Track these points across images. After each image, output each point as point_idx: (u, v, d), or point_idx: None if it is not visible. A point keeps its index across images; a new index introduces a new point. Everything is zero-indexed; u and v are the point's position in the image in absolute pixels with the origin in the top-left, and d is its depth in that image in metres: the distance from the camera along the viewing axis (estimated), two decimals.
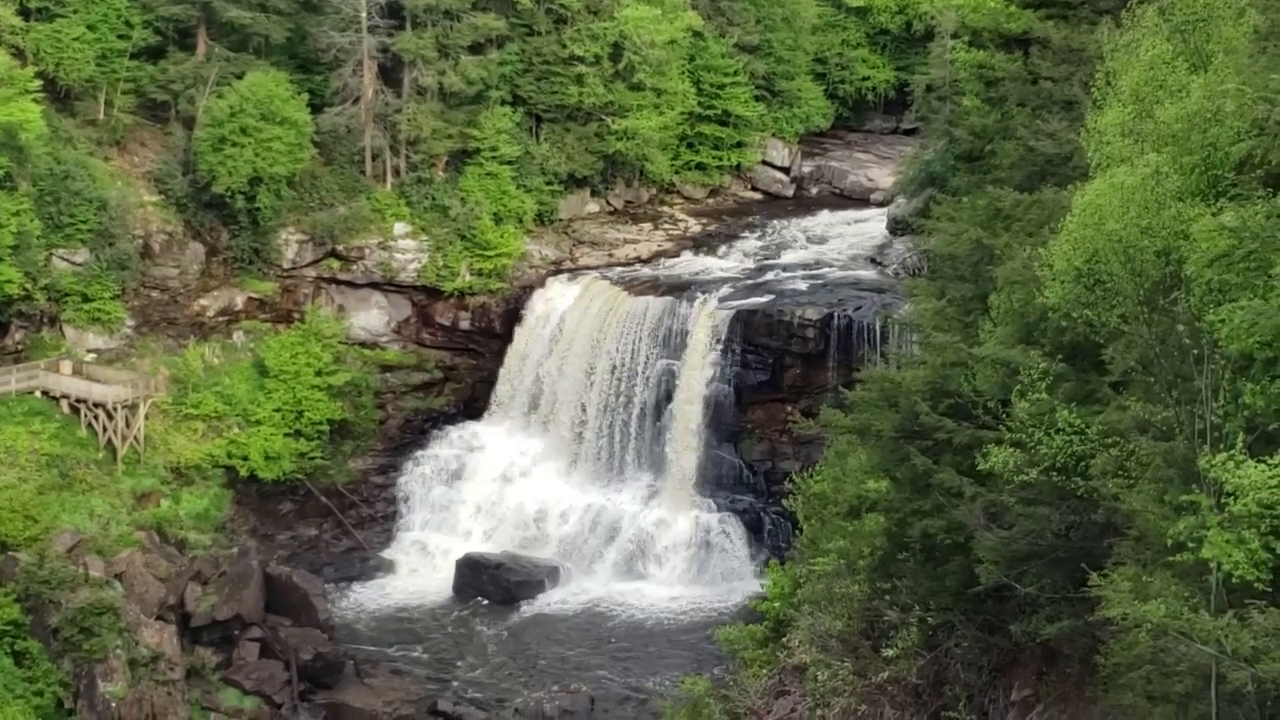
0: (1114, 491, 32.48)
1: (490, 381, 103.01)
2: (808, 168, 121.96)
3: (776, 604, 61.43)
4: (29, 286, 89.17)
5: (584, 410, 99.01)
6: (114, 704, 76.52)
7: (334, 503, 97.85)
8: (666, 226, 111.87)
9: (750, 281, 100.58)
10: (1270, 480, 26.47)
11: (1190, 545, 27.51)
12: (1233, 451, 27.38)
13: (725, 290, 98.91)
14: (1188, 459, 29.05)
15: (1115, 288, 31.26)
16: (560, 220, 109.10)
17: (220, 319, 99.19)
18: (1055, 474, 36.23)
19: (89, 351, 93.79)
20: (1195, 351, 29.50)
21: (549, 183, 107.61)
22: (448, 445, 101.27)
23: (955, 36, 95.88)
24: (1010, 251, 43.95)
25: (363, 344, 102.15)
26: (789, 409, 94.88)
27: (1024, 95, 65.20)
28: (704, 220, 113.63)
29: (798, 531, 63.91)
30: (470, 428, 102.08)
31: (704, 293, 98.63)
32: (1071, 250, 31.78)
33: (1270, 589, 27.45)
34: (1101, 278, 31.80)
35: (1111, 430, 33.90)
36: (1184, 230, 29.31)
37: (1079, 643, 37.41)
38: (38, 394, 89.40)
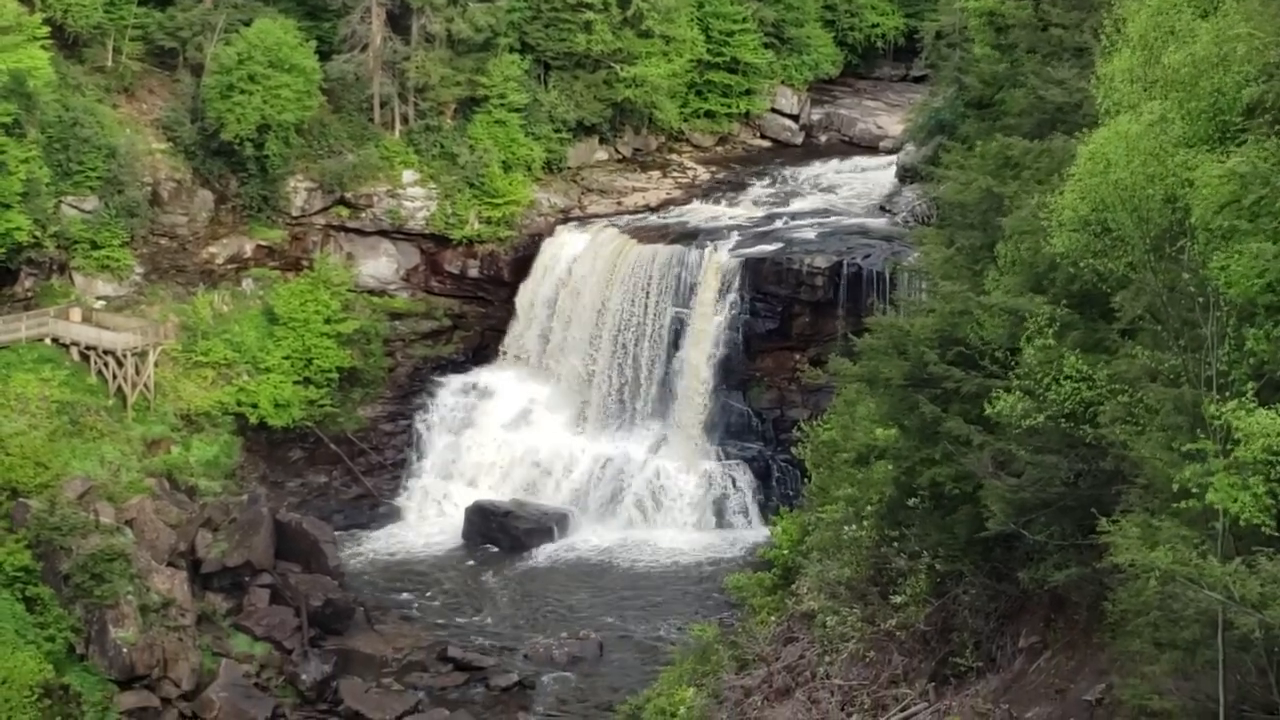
0: (1122, 439, 32.55)
1: (499, 329, 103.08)
2: (817, 115, 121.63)
3: (785, 551, 61.68)
4: (38, 234, 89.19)
5: (593, 358, 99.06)
6: (125, 649, 76.88)
7: (343, 450, 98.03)
8: (675, 174, 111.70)
9: (759, 229, 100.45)
10: (1275, 425, 26.53)
11: (1196, 491, 27.58)
12: (1242, 398, 27.44)
13: (734, 238, 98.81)
14: (1195, 406, 29.10)
15: (1122, 236, 31.26)
16: (569, 168, 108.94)
17: (229, 266, 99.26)
18: (1064, 421, 36.31)
19: (98, 299, 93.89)
20: (1201, 299, 29.52)
21: (557, 130, 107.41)
22: (457, 393, 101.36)
23: None
24: (1019, 200, 43.95)
25: (371, 292, 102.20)
26: (797, 357, 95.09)
27: (1034, 42, 65.07)
28: (713, 168, 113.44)
29: (806, 479, 64.10)
30: (479, 375, 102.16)
31: (713, 241, 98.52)
32: (1078, 199, 31.75)
33: (1277, 535, 27.52)
34: (1109, 226, 31.79)
35: (1120, 377, 33.97)
36: (1189, 178, 29.26)
37: (1086, 590, 37.55)
38: (47, 341, 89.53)
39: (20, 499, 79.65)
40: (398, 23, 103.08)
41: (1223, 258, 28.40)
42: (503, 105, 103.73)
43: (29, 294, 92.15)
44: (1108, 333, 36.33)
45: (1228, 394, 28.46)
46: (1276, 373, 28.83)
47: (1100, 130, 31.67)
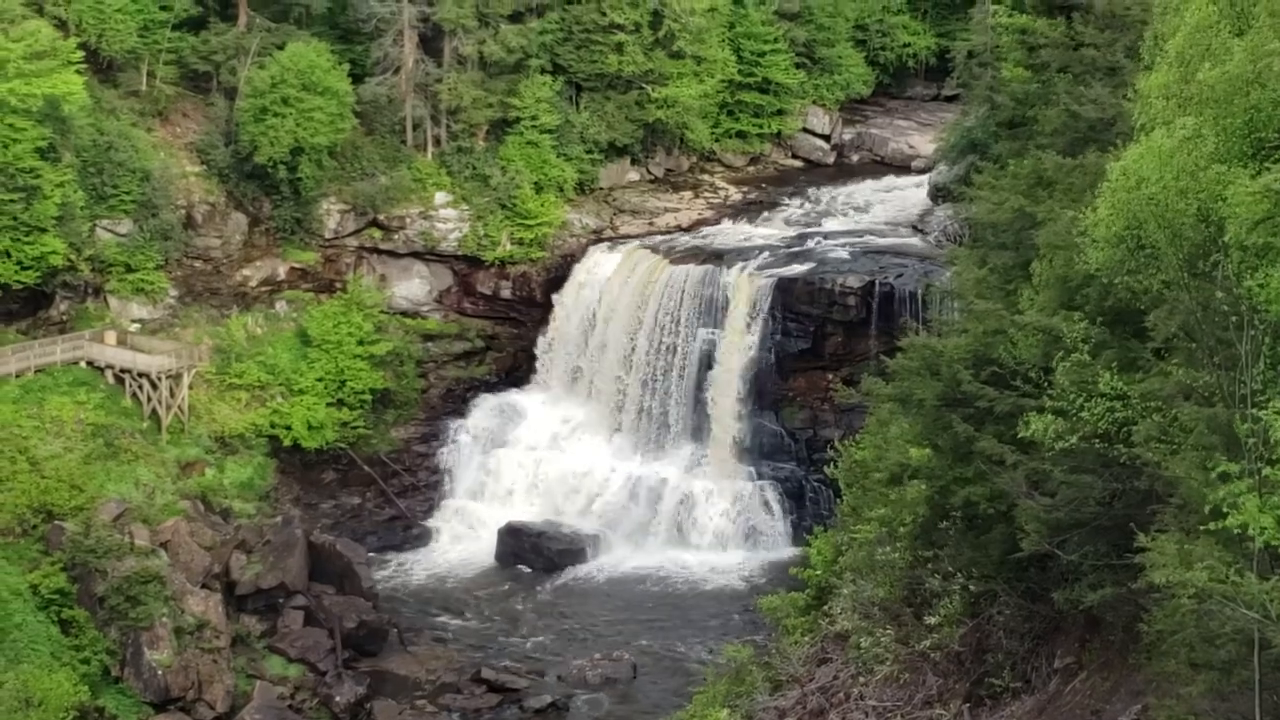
0: (1156, 458, 32.42)
1: (531, 350, 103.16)
2: (848, 135, 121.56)
3: (818, 571, 61.48)
4: (73, 257, 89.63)
5: (625, 378, 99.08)
6: (160, 672, 77.09)
7: (376, 471, 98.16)
8: (707, 194, 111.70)
9: (791, 249, 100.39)
10: None
11: (1228, 512, 27.47)
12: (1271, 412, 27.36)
13: (766, 258, 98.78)
14: (1229, 425, 28.98)
15: (1156, 253, 31.16)
16: (600, 189, 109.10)
17: (263, 289, 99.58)
18: (1097, 441, 36.17)
19: (133, 322, 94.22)
20: (1235, 317, 29.40)
21: (589, 151, 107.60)
22: (490, 414, 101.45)
23: (997, 2, 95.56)
24: (1052, 216, 43.82)
25: (404, 313, 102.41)
26: (830, 377, 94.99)
27: (1066, 61, 64.98)
28: (744, 188, 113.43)
29: (839, 499, 63.94)
30: (512, 397, 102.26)
31: (745, 261, 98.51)
32: (1111, 214, 31.64)
33: None
34: (1142, 242, 31.69)
35: (1153, 396, 33.84)
36: (1223, 194, 29.16)
37: (1122, 610, 37.38)
38: (83, 364, 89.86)
39: (56, 521, 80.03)
40: (430, 45, 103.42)
41: (1258, 276, 28.28)
42: (534, 126, 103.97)
43: (64, 317, 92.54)
44: (1140, 352, 36.21)
45: (1261, 413, 28.35)
46: None
47: (1133, 146, 31.57)
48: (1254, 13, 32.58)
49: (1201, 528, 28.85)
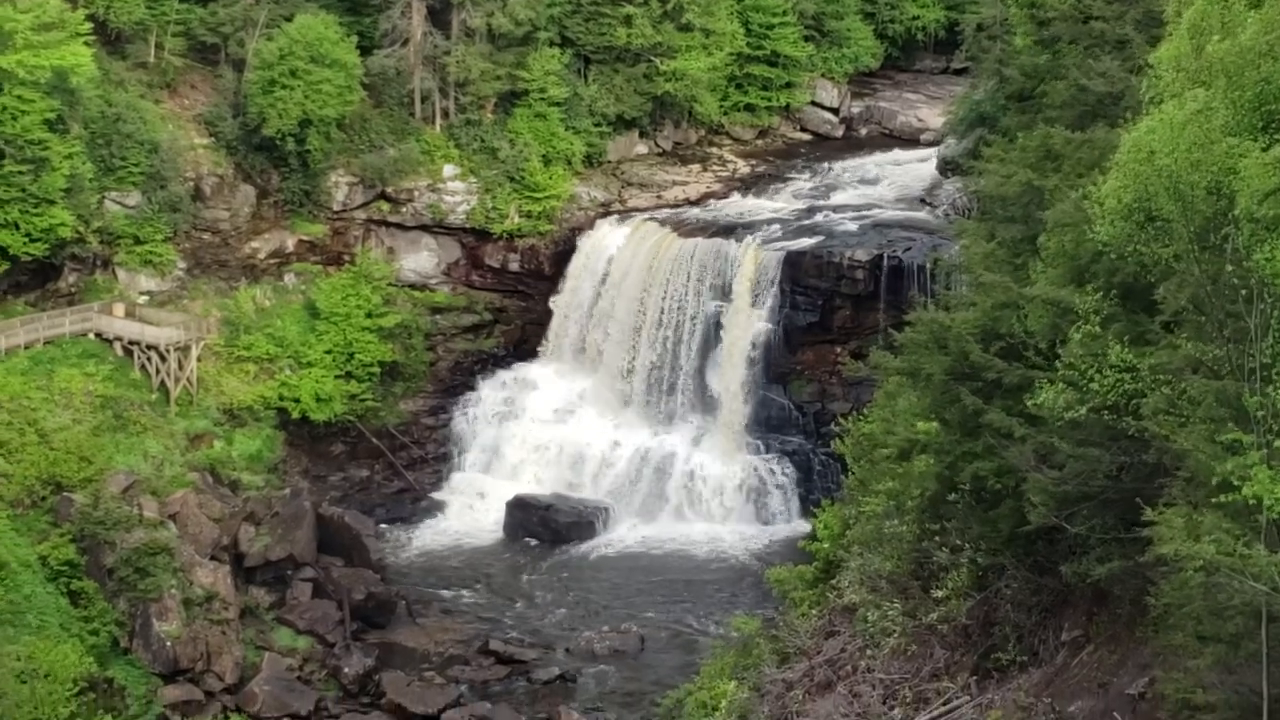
0: (1165, 431, 32.41)
1: (539, 323, 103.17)
2: (857, 108, 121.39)
3: (826, 545, 61.58)
4: (81, 229, 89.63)
5: (633, 352, 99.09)
6: (169, 643, 77.32)
7: (385, 444, 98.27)
8: (715, 168, 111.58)
9: (799, 223, 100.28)
10: None
11: (1237, 484, 27.46)
12: None
13: (774, 231, 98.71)
14: (1238, 397, 28.98)
15: (1167, 226, 31.13)
16: (609, 162, 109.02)
17: (271, 261, 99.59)
18: (1106, 413, 36.16)
19: (141, 294, 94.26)
20: (1245, 291, 29.38)
21: (597, 124, 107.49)
22: (498, 387, 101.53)
23: None
24: (1061, 193, 43.77)
25: (412, 286, 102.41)
26: (838, 350, 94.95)
27: (1075, 34, 64.86)
28: (752, 161, 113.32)
29: (847, 473, 64.02)
30: (520, 369, 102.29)
31: (753, 234, 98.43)
32: (1122, 187, 31.60)
33: None
34: (1153, 215, 31.66)
35: (1162, 369, 33.82)
36: (1234, 167, 29.12)
37: (1129, 584, 37.41)
38: (91, 336, 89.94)
39: (64, 493, 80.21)
40: (438, 17, 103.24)
41: (1268, 248, 28.25)
42: (543, 99, 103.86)
43: (73, 289, 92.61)
44: (1149, 325, 36.18)
45: (1271, 385, 28.35)
46: None
47: (1145, 119, 31.50)
48: None
49: (1211, 499, 28.87)
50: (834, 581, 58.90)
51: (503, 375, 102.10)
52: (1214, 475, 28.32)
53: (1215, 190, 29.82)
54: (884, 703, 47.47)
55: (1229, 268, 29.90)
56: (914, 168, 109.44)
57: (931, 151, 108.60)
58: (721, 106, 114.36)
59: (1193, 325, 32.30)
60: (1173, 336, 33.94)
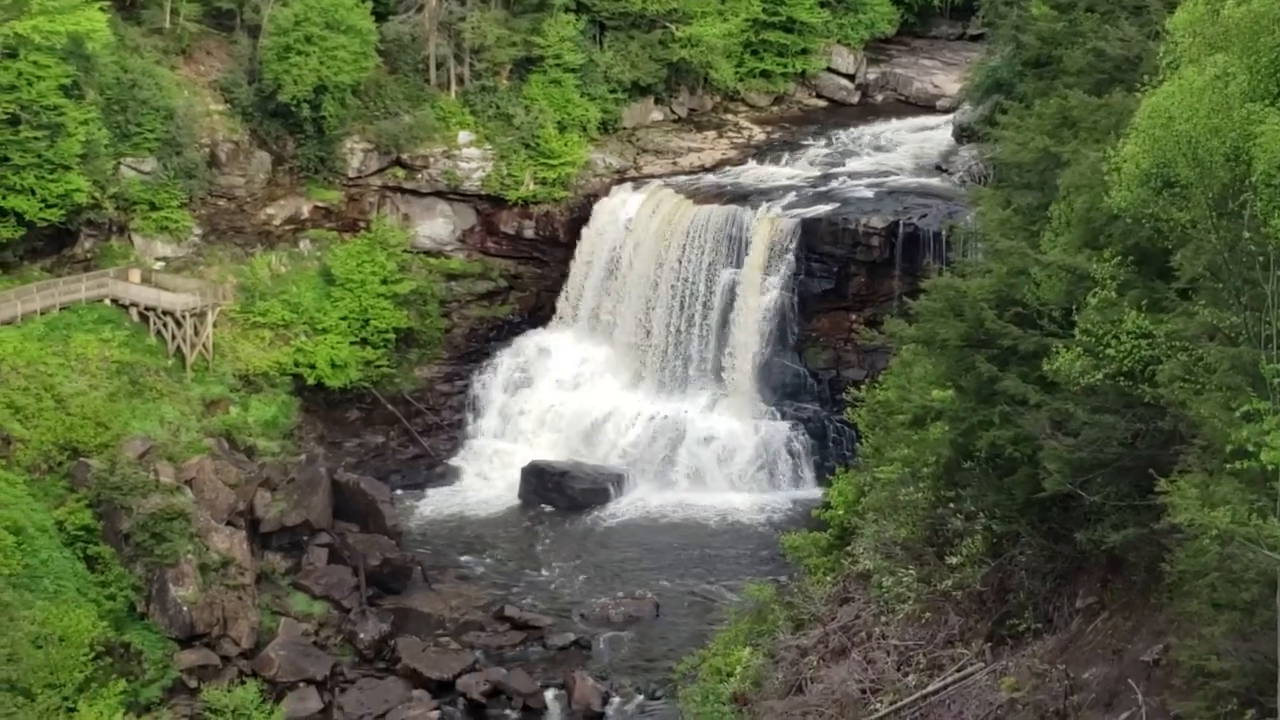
0: (1180, 398, 32.32)
1: (555, 290, 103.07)
2: (873, 74, 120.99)
3: (840, 512, 61.60)
4: (97, 195, 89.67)
5: (648, 318, 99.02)
6: (185, 608, 77.51)
7: (400, 410, 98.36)
8: (730, 134, 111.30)
9: (815, 189, 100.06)
10: None
11: (1253, 451, 27.38)
12: None
13: (790, 198, 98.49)
14: (1254, 365, 28.88)
15: (1184, 191, 31.00)
16: (624, 128, 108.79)
17: (286, 228, 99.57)
18: (1122, 379, 36.11)
19: (157, 260, 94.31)
20: (1262, 257, 29.27)
21: (613, 91, 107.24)
22: (513, 354, 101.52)
23: None
24: (1078, 157, 43.60)
25: (428, 253, 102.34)
26: (853, 318, 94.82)
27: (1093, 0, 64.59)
28: (768, 128, 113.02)
29: (861, 440, 64.00)
30: (535, 336, 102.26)
31: (768, 201, 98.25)
32: (1140, 152, 31.44)
33: None
34: (1170, 181, 31.52)
35: (1178, 335, 33.73)
36: (1252, 133, 28.97)
37: (1144, 551, 37.39)
38: (107, 302, 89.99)
39: (81, 459, 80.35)
40: None
41: None
42: (558, 65, 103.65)
43: (89, 255, 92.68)
44: (1165, 292, 36.08)
45: None
46: None
47: (1164, 84, 31.33)
48: None
49: (1227, 467, 28.80)
50: (848, 548, 58.94)
51: (518, 342, 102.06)
52: (1229, 443, 28.27)
53: (1234, 156, 29.68)
54: (898, 669, 47.51)
55: (1246, 234, 29.79)
56: (930, 134, 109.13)
57: (947, 118, 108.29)
58: (737, 73, 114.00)
59: (1209, 292, 32.19)
60: (1189, 303, 33.84)
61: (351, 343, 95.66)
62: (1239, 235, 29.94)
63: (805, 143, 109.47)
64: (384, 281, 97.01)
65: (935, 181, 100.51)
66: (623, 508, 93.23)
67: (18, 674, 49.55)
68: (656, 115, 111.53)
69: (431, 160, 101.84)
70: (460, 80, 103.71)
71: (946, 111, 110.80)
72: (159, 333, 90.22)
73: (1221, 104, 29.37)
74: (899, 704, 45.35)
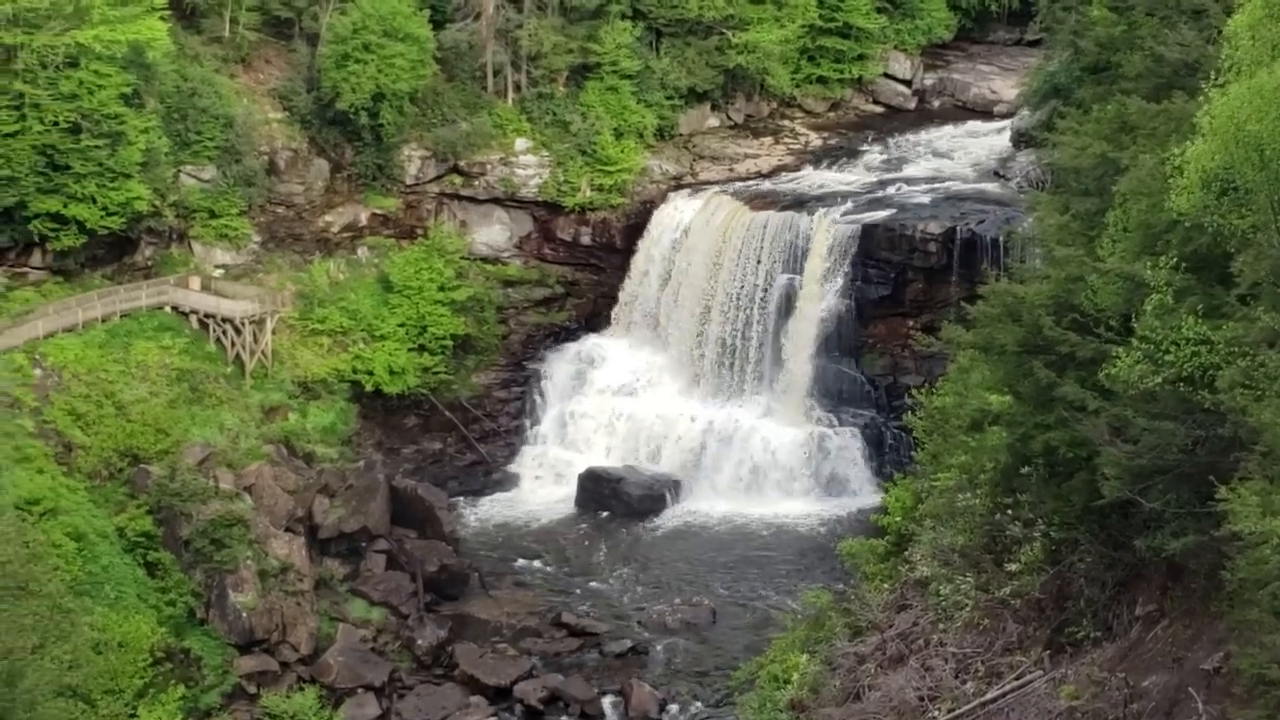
0: (1241, 404, 32.11)
1: (611, 297, 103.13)
2: (930, 80, 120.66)
3: (897, 519, 61.48)
4: (157, 203, 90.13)
5: (704, 325, 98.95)
6: (245, 614, 77.82)
7: (458, 417, 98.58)
8: (787, 140, 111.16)
9: (871, 195, 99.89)
10: None
11: None
12: None
13: (846, 204, 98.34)
14: None
15: (1248, 195, 30.79)
16: (680, 135, 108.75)
17: (345, 235, 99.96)
18: (1181, 385, 35.89)
19: (217, 267, 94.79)
20: None
21: (669, 97, 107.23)
22: (570, 360, 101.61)
23: None
24: (1136, 162, 43.33)
25: (485, 259, 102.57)
26: (910, 324, 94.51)
27: (1152, 4, 64.25)
28: (825, 134, 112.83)
29: (918, 447, 63.82)
30: (592, 342, 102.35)
31: (825, 207, 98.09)
32: (1208, 151, 31.23)
33: None
34: (1234, 183, 31.34)
35: (1238, 341, 33.51)
36: None
37: (1204, 558, 37.12)
38: (167, 309, 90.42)
39: (141, 465, 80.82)
40: None
41: None
42: (615, 72, 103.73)
43: (149, 263, 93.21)
44: (1224, 298, 35.83)
45: None
46: None
47: (1234, 86, 31.10)
48: None
49: None
50: (906, 555, 58.76)
51: (574, 348, 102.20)
52: None
53: None
54: (956, 676, 47.34)
55: None
56: (987, 140, 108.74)
57: (1005, 124, 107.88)
58: (793, 79, 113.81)
59: (1271, 297, 31.95)
60: (1249, 309, 33.59)
61: (409, 349, 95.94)
62: None
63: (862, 149, 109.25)
64: (441, 288, 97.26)
65: (993, 187, 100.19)
66: (678, 514, 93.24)
67: (79, 680, 49.78)
68: (713, 121, 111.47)
69: (489, 167, 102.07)
70: (517, 87, 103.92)
71: (1004, 117, 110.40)
72: (218, 340, 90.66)
73: None
74: (957, 712, 45.20)
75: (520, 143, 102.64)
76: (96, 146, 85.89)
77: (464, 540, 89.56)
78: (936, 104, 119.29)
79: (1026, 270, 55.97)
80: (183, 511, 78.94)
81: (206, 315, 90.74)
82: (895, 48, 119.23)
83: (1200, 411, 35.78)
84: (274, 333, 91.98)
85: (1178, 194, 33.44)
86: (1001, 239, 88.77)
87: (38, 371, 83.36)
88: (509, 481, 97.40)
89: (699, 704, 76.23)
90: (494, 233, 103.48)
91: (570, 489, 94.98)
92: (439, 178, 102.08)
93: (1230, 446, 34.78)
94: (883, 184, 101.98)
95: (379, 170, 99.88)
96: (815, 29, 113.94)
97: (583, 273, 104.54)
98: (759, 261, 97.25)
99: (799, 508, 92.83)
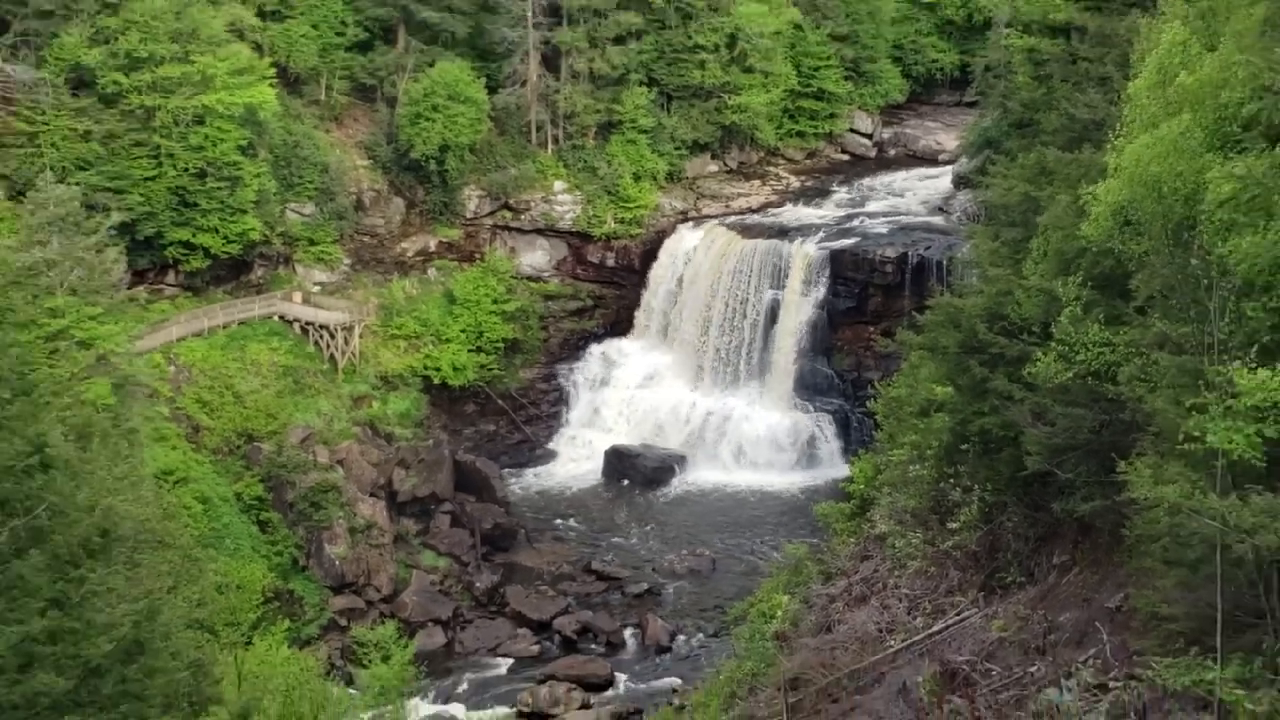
0: (1138, 394, 32.02)
1: (631, 308, 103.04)
2: (887, 134, 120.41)
3: (861, 486, 61.29)
4: (267, 233, 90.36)
5: (705, 331, 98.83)
6: (337, 562, 78.02)
7: (507, 404, 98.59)
8: (772, 183, 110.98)
9: (840, 227, 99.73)
10: (1272, 382, 26.11)
11: (1198, 436, 27.11)
12: (1244, 360, 27.04)
13: (819, 234, 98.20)
14: (1198, 367, 28.60)
15: (1146, 224, 30.73)
16: (686, 178, 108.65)
17: (417, 258, 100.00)
18: (1090, 379, 35.81)
19: (315, 284, 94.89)
20: (1206, 280, 28.98)
21: (677, 148, 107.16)
22: (597, 359, 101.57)
23: (1009, 25, 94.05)
24: (1053, 201, 43.23)
25: (529, 278, 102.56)
26: (871, 330, 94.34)
27: (1066, 73, 63.89)
28: (802, 177, 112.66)
29: (878, 428, 63.66)
30: (615, 345, 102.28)
31: (802, 236, 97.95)
32: (1117, 187, 31.19)
33: (1265, 474, 27.01)
34: (1134, 217, 31.28)
35: (1136, 344, 33.42)
36: (1201, 178, 28.75)
37: (1108, 519, 37.01)
38: (275, 319, 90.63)
39: (254, 443, 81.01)
40: (550, 63, 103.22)
41: (1229, 244, 27.90)
42: (633, 128, 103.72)
43: (260, 281, 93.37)
44: (1124, 309, 35.74)
45: (1225, 357, 27.97)
46: (1264, 339, 28.28)
47: (1141, 136, 31.03)
48: (1222, 31, 32.05)
49: (1176, 450, 28.46)
50: (868, 515, 58.64)
51: (601, 349, 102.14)
52: (1178, 431, 27.94)
53: (1189, 196, 29.43)
54: (908, 613, 47.22)
55: (1194, 260, 29.48)
56: (933, 182, 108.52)
57: (947, 169, 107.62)
58: (777, 133, 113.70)
59: (1162, 307, 31.86)
60: (1144, 318, 33.50)
61: (469, 350, 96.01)
62: (1188, 261, 29.64)
63: (832, 189, 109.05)
64: (494, 301, 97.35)
65: (937, 220, 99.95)
66: (684, 483, 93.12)
67: (205, 615, 49.80)
68: (712, 167, 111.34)
69: (532, 204, 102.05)
70: (555, 140, 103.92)
71: (947, 163, 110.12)
72: (316, 343, 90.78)
73: (1185, 152, 29.14)
74: (909, 641, 45.04)
75: (558, 185, 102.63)
76: (219, 188, 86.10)
77: (513, 503, 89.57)
78: (892, 153, 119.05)
79: (965, 287, 55.75)
80: (288, 480, 79.10)
81: (307, 323, 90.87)
82: (859, 108, 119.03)
83: (1105, 400, 35.68)
84: (360, 337, 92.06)
85: (1089, 224, 33.35)
86: (944, 262, 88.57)
87: (172, 368, 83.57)
88: (548, 456, 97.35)
89: (701, 635, 76.14)
90: (537, 257, 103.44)
91: (597, 463, 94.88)
92: (492, 213, 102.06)
93: (1129, 429, 34.68)
94: (849, 217, 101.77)
95: (444, 207, 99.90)
96: (795, 93, 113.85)
97: (608, 289, 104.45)
98: (749, 280, 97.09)
99: (781, 478, 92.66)
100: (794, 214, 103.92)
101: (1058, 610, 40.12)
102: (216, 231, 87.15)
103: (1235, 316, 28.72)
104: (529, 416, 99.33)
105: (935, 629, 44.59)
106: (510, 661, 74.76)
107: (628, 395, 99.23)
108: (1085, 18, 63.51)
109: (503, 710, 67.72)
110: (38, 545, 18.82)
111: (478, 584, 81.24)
